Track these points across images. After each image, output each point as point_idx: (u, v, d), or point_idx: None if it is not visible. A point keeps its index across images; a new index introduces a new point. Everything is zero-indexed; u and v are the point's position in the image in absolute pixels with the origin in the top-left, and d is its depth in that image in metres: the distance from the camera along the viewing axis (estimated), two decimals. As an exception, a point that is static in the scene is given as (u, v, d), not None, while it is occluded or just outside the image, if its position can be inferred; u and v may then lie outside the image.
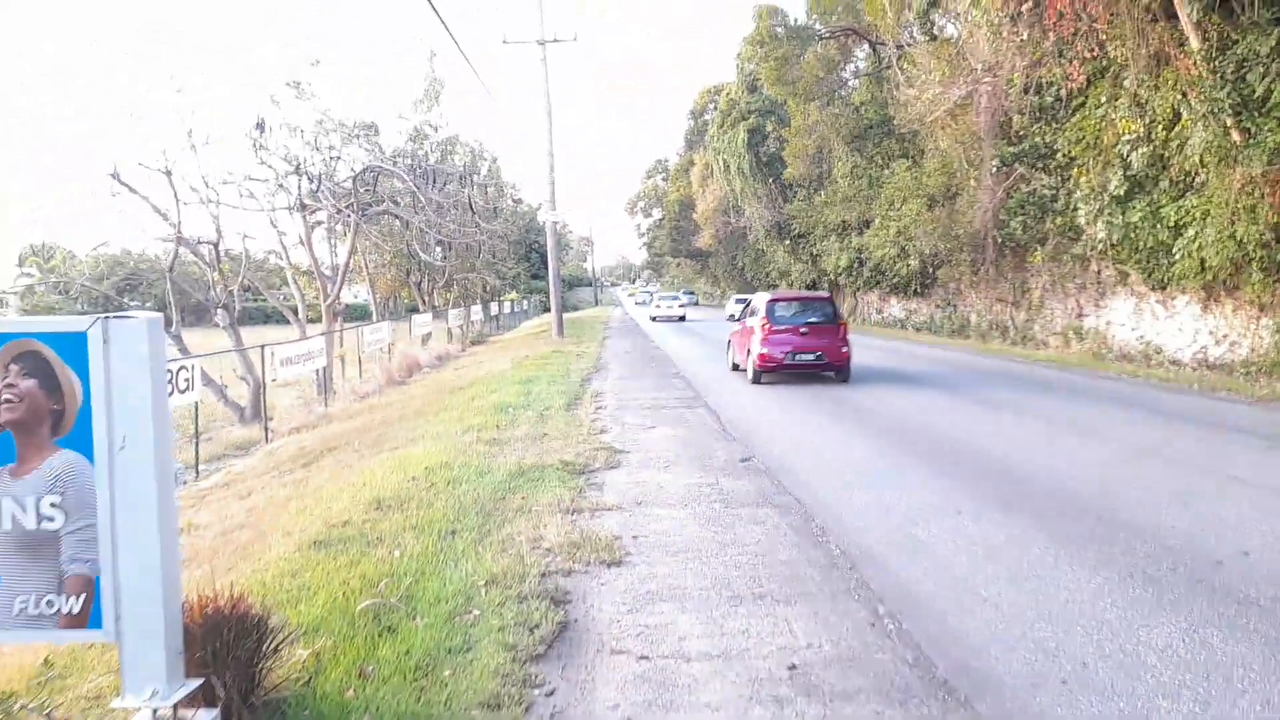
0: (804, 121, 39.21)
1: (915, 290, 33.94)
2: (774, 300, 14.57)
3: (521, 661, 3.66)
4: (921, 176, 29.80)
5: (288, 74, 19.40)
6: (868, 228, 35.48)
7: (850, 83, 40.94)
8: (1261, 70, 13.28)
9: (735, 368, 16.04)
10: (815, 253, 42.61)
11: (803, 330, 14.01)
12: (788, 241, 45.38)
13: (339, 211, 19.10)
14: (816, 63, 38.38)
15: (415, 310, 33.23)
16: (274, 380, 15.24)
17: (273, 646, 3.28)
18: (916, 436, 9.16)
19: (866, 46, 40.25)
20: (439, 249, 30.94)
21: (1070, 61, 16.79)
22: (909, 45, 33.16)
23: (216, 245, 15.82)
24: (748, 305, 16.33)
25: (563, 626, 4.06)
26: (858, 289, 40.59)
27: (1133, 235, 17.39)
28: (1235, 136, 13.94)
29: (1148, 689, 3.32)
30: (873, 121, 36.61)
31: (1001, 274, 27.47)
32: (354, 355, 21.96)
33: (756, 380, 14.08)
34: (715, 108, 58.56)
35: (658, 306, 45.09)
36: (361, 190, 19.29)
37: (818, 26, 39.87)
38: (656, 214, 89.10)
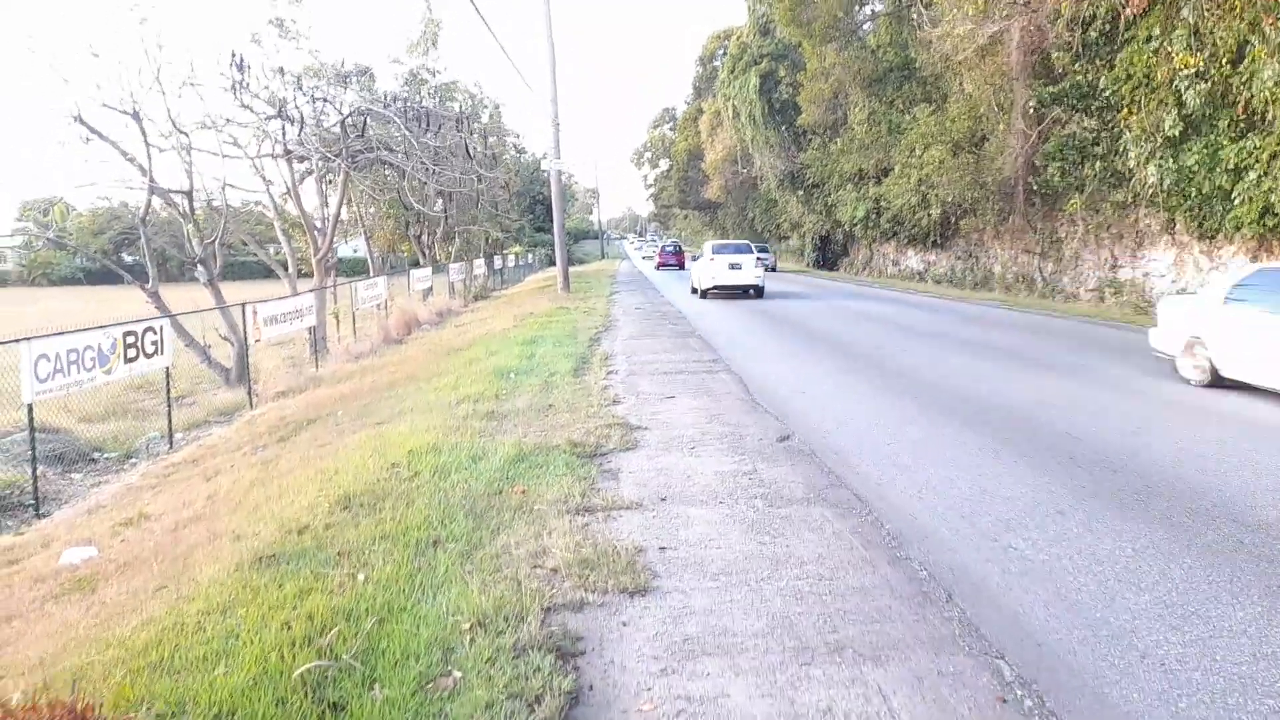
0: (820, 65, 37.37)
1: (935, 241, 32.54)
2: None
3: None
4: (946, 121, 28.20)
5: (269, 10, 17.95)
6: (886, 176, 33.97)
7: (866, 26, 39.02)
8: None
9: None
10: (830, 203, 41.08)
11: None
12: (801, 191, 43.79)
13: (326, 159, 17.77)
14: (834, 0, 36.43)
15: (416, 264, 31.98)
16: (257, 340, 14.11)
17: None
18: (981, 408, 8.01)
19: (885, -14, 38.35)
20: (439, 200, 29.56)
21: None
22: (934, -20, 31.34)
23: (190, 194, 14.56)
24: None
25: (573, 699, 2.96)
26: (873, 240, 39.17)
27: (1187, 179, 16.00)
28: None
29: None
30: (893, 65, 34.82)
31: (1030, 224, 26.06)
32: (349, 312, 20.81)
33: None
34: (725, 53, 56.41)
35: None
36: (352, 136, 17.94)
37: (834, -37, 37.84)
38: (664, 165, 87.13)
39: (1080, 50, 19.26)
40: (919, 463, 6.03)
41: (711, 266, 23.34)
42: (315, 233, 19.07)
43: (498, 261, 43.26)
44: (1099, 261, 22.86)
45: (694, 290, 25.00)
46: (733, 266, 23.21)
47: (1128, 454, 6.17)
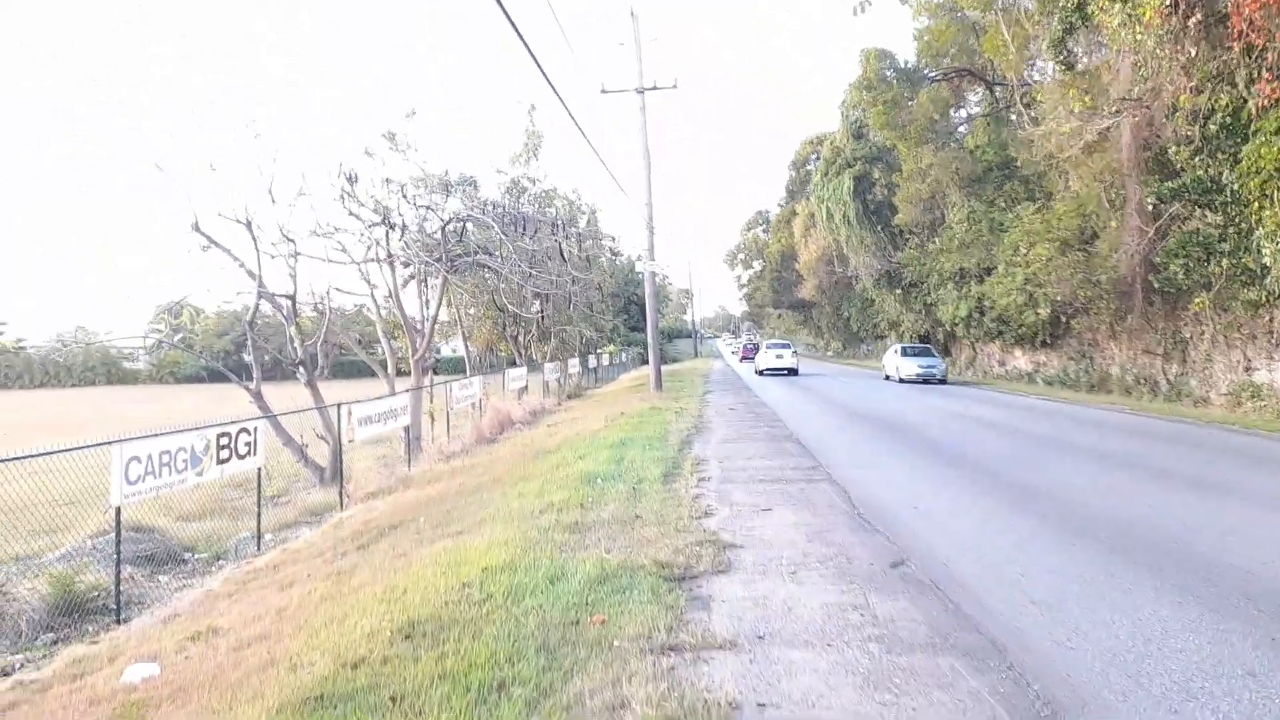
0: (916, 166, 37.12)
1: (1044, 341, 31.03)
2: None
3: None
4: (1052, 219, 27.22)
5: (383, 126, 18.89)
6: (988, 275, 32.91)
7: (960, 128, 38.72)
8: None
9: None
10: (929, 302, 40.04)
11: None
12: (899, 291, 42.92)
13: (427, 264, 18.23)
14: (929, 104, 36.39)
15: (513, 364, 32.40)
16: (351, 440, 14.15)
17: None
18: (1124, 532, 7.05)
19: (981, 89, 38.12)
20: (535, 301, 30.07)
21: (1260, 77, 14.38)
22: (1034, 81, 30.87)
23: (293, 298, 15.03)
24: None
25: None
26: (977, 339, 37.72)
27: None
28: None
29: None
30: (992, 164, 34.29)
31: (1150, 323, 24.49)
32: (444, 412, 20.94)
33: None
34: (818, 157, 56.97)
35: (758, 354, 45.04)
36: (451, 241, 18.40)
37: (928, 71, 37.99)
38: (757, 265, 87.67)
39: (1201, 144, 18.26)
40: (1062, 600, 5.17)
41: (765, 355, 39.36)
42: (414, 334, 19.43)
43: (592, 360, 43.55)
44: (1230, 363, 21.14)
45: (756, 371, 39.81)
46: (778, 355, 38.46)
47: (1320, 596, 5.17)
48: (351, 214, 16.78)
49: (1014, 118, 34.88)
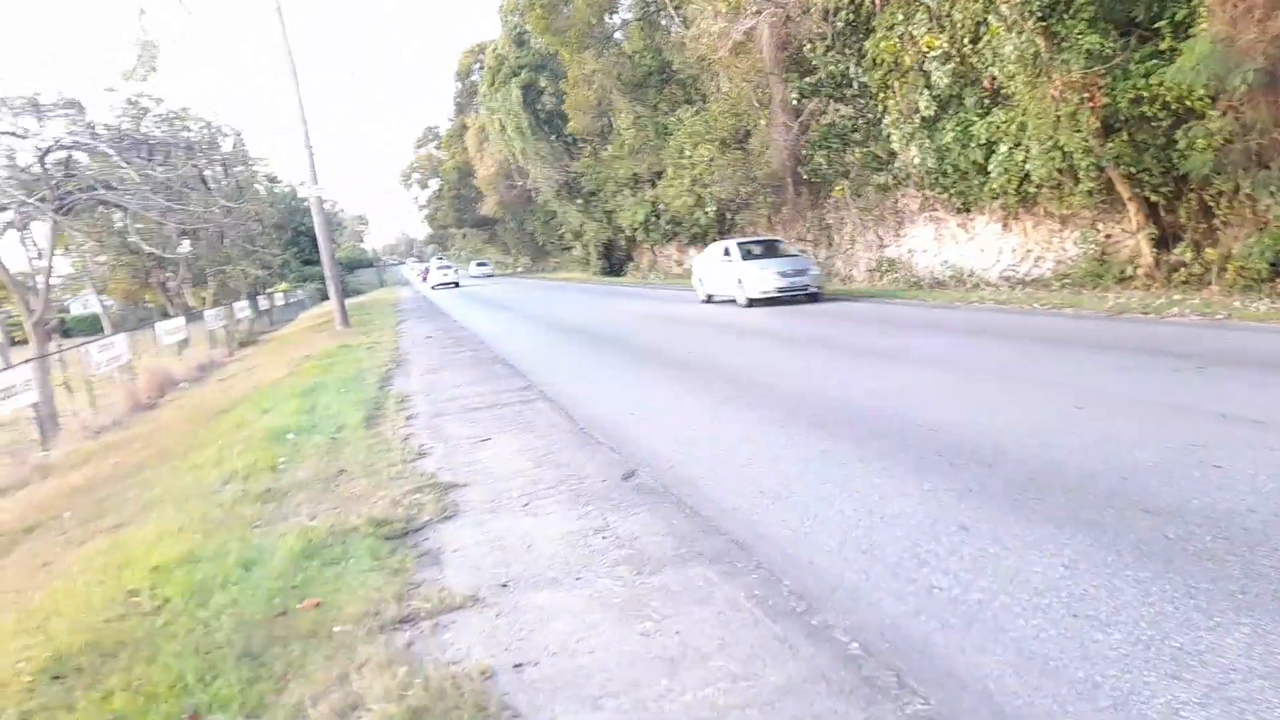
0: (581, 71, 37.21)
1: (714, 238, 33.28)
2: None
3: None
4: (709, 120, 28.76)
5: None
6: (660, 179, 34.33)
7: (617, 34, 39.35)
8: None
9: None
10: (609, 209, 41.10)
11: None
12: (579, 200, 43.51)
13: (26, 205, 14.81)
14: (585, 7, 36.35)
15: (166, 315, 28.19)
16: (-49, 434, 11.32)
17: None
18: (828, 409, 7.54)
19: (633, -7, 38.85)
20: (183, 239, 26.15)
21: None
22: (681, -15, 31.95)
23: None
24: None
25: None
26: (655, 242, 39.55)
27: (945, 157, 16.94)
28: (1042, 42, 13.47)
29: None
30: (651, 68, 35.26)
31: (800, 213, 27.10)
32: (84, 381, 17.60)
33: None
34: (482, 67, 55.18)
35: (429, 274, 55.33)
36: (56, 174, 15.08)
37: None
38: (434, 184, 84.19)
39: (830, 42, 20.02)
40: (789, 487, 5.33)
41: (434, 274, 50.39)
42: (26, 292, 15.91)
43: (264, 302, 39.42)
44: (866, 243, 24.09)
45: (431, 286, 48.32)
46: (442, 271, 50.42)
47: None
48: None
49: (664, 22, 36.11)
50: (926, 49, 16.17)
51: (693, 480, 5.68)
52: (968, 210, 18.94)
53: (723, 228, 32.20)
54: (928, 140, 17.11)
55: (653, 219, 36.21)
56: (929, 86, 16.60)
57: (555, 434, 7.53)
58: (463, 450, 7.28)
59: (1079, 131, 12.95)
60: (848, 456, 5.81)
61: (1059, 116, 13.12)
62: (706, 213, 30.23)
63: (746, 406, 7.87)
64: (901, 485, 5.07)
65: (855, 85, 20.15)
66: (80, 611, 4.42)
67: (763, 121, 25.87)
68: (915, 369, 8.88)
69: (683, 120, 30.51)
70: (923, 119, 16.86)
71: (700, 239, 33.89)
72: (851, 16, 18.95)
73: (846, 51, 19.84)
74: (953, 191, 18.14)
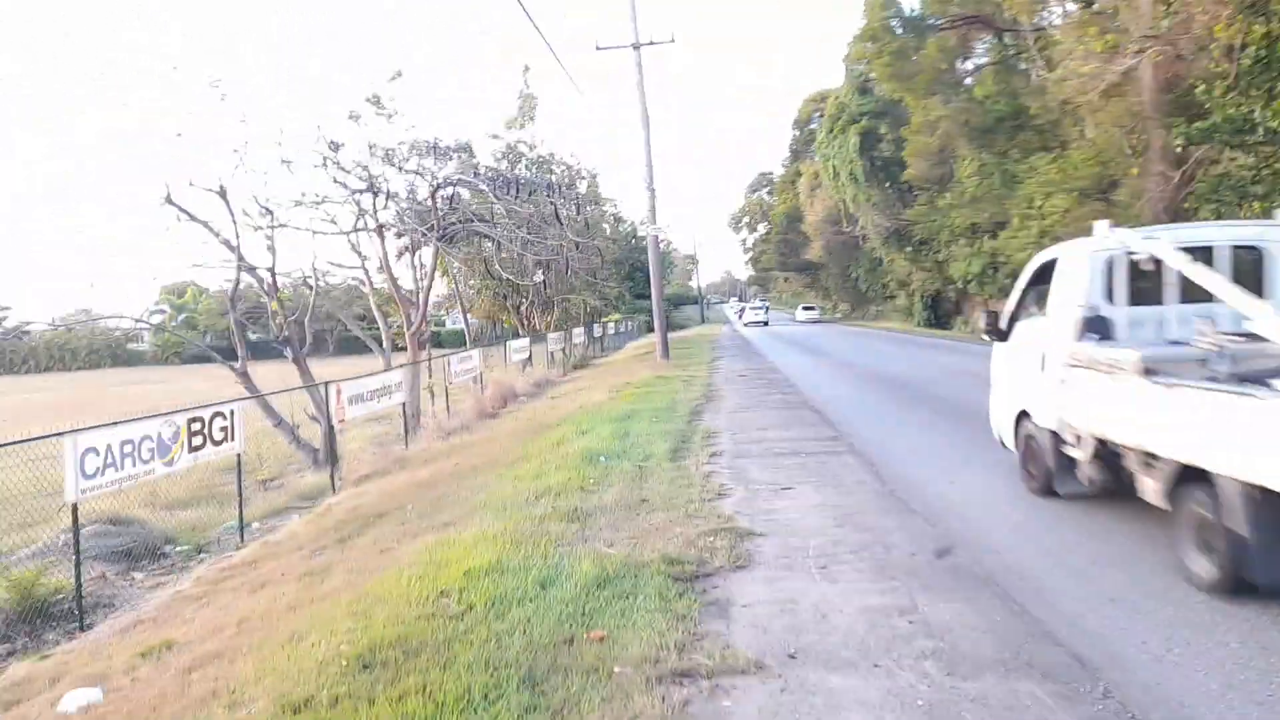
0: (924, 118, 35.86)
1: (1060, 296, 30.02)
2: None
3: None
4: (1068, 168, 26.07)
5: (366, 89, 17.83)
6: (1001, 230, 31.84)
7: (968, 79, 37.29)
8: None
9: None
10: (940, 259, 38.97)
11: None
12: (908, 249, 41.79)
13: (417, 232, 17.33)
14: (937, 53, 34.96)
15: (516, 335, 31.58)
16: (341, 421, 13.39)
17: None
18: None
19: (990, 36, 36.69)
20: (537, 269, 29.15)
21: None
22: (1046, 25, 29.55)
23: (272, 270, 14.18)
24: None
25: None
26: (990, 297, 36.66)
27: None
28: None
29: None
30: (1003, 114, 32.94)
31: (1175, 274, 23.47)
32: (443, 387, 20.15)
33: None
34: (821, 115, 55.45)
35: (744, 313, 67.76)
36: (443, 208, 17.48)
37: (935, 19, 36.59)
38: (762, 228, 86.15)
39: (1234, 80, 17.14)
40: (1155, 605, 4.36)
41: (748, 313, 59.35)
42: (409, 306, 18.59)
43: (597, 330, 42.71)
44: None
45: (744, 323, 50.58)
46: (754, 310, 58.18)
47: None
48: (336, 181, 15.87)
49: (1024, 65, 33.61)
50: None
51: (1023, 572, 4.89)
52: None
53: (1073, 286, 29.01)
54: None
55: (989, 271, 33.69)
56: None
57: (861, 492, 7.00)
58: (762, 496, 7.02)
59: None
60: (889, 401, 4.64)
61: None
62: (1055, 268, 27.39)
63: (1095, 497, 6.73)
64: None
65: (1261, 131, 17.03)
66: (400, 603, 4.80)
67: (1134, 171, 22.91)
68: None
69: (1036, 168, 28.07)
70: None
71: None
72: (1262, 53, 16.07)
73: (1253, 93, 16.85)
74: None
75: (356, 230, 17.40)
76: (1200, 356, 4.95)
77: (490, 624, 4.30)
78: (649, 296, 31.91)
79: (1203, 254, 5.75)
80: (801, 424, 11.06)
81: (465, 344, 28.19)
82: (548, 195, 19.45)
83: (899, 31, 35.81)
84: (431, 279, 18.78)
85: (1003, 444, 7.60)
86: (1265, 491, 3.85)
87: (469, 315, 31.26)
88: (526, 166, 26.04)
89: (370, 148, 16.18)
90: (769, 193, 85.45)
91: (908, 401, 13.31)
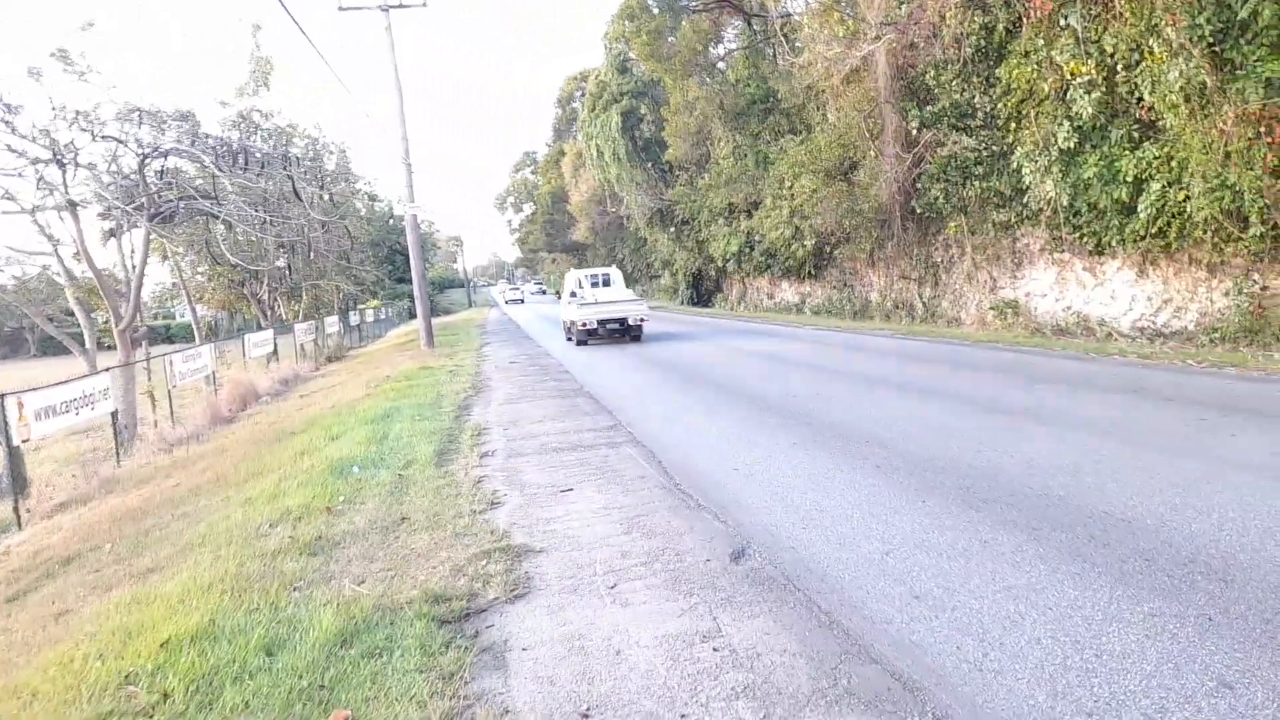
0: (683, 98, 36.66)
1: (809, 273, 31.87)
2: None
3: None
4: (814, 150, 27.58)
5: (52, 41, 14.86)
6: (756, 209, 33.28)
7: (720, 63, 38.66)
8: (1248, -11, 11.25)
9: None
10: (701, 238, 40.21)
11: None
12: (671, 229, 42.79)
13: (122, 211, 14.73)
14: (693, 34, 35.86)
15: (259, 326, 28.52)
16: (26, 440, 11.01)
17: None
18: (967, 478, 6.30)
19: (740, 22, 38.16)
20: (280, 253, 26.37)
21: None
22: (791, 14, 31.06)
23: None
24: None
25: None
26: (747, 274, 38.39)
27: (1083, 193, 15.37)
28: (1207, 70, 11.92)
29: None
30: (754, 97, 34.38)
31: (905, 250, 25.59)
32: (167, 390, 17.51)
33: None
34: (583, 94, 55.42)
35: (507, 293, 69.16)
36: (156, 183, 15.00)
37: (690, 1, 37.51)
38: (528, 209, 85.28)
39: (961, 67, 18.68)
40: (950, 592, 4.14)
41: (507, 292, 67.15)
42: (116, 298, 15.86)
43: (354, 318, 39.87)
44: (980, 284, 22.44)
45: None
46: (513, 289, 69.67)
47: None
48: (11, 149, 13.02)
49: (771, 51, 35.27)
50: (1070, 75, 14.72)
51: (821, 570, 4.53)
52: (1100, 253, 17.21)
53: (820, 262, 30.90)
54: (1064, 175, 15.58)
55: (746, 250, 35.14)
56: (1070, 117, 15.12)
57: (645, 489, 6.48)
58: (540, 501, 6.31)
59: (1252, 169, 11.33)
60: (1022, 554, 4.57)
61: (1229, 152, 11.53)
62: (804, 245, 29.02)
63: (871, 469, 6.67)
64: (1114, 607, 3.82)
65: (981, 115, 18.72)
66: (67, 698, 3.57)
67: (872, 153, 24.61)
68: (1076, 435, 7.50)
69: (786, 150, 29.47)
70: (1060, 151, 15.34)
71: (794, 272, 32.60)
72: (982, 42, 17.59)
73: (974, 79, 18.45)
74: (1085, 231, 16.50)
75: (41, 209, 14.51)
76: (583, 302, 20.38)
77: (193, 718, 3.24)
78: (411, 280, 30.08)
79: (601, 276, 23.27)
80: (578, 412, 10.47)
81: (195, 339, 24.96)
82: (284, 169, 17.32)
83: (655, 11, 36.33)
84: (143, 266, 16.12)
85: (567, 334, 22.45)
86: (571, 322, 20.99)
87: (201, 306, 27.79)
88: (263, 138, 23.35)
89: (54, 110, 13.44)
90: (533, 172, 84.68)
91: (678, 384, 13.15)
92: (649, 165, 42.93)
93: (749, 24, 36.68)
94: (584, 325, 20.20)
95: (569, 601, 4.32)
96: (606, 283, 22.90)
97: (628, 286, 24.77)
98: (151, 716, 3.31)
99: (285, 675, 3.57)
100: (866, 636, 3.66)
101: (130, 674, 3.70)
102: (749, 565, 4.66)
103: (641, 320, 20.48)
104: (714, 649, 3.62)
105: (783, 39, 30.28)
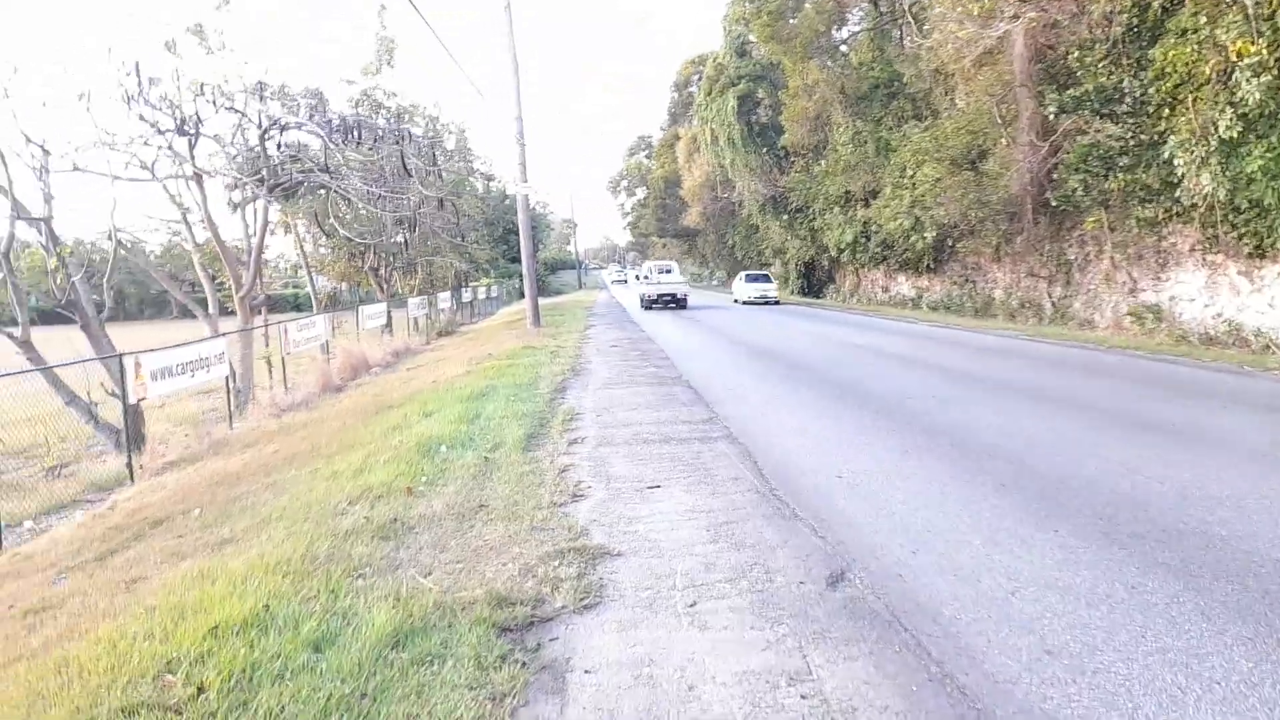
0: (802, 82, 35.46)
1: (928, 266, 30.33)
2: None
3: None
4: (940, 137, 26.08)
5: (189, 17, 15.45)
6: (874, 199, 31.90)
7: (843, 46, 37.16)
8: None
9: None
10: (815, 227, 38.99)
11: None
12: (784, 216, 41.64)
13: (244, 182, 15.17)
14: (815, 16, 34.58)
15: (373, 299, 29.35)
16: (142, 399, 11.44)
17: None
18: (1103, 507, 5.52)
19: (866, 2, 36.60)
20: (398, 229, 26.96)
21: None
22: (923, -9, 29.46)
23: (48, 221, 11.91)
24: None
25: None
26: (862, 265, 36.97)
27: (1244, 188, 13.80)
28: None
29: None
30: (878, 81, 32.87)
31: (1035, 245, 23.89)
32: (281, 357, 18.08)
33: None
34: (701, 78, 54.60)
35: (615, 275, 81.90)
36: (278, 156, 15.38)
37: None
38: (641, 193, 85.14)
39: (1109, 48, 17.11)
40: (1090, 649, 3.48)
41: (612, 275, 75.62)
42: (237, 266, 16.42)
43: (466, 294, 40.64)
44: (1118, 285, 20.68)
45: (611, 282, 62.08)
46: (620, 273, 74.91)
47: None
48: (143, 119, 13.54)
49: (897, 32, 33.68)
50: (1237, 56, 13.19)
51: (933, 607, 3.94)
52: (1260, 255, 15.46)
53: (940, 256, 29.37)
54: (1224, 167, 14.02)
55: (862, 240, 33.82)
56: (1233, 103, 13.57)
57: (738, 491, 5.97)
58: (624, 498, 5.90)
59: None
60: (1179, 607, 3.84)
61: None
62: (925, 237, 27.58)
63: (994, 487, 5.95)
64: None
65: (1129, 101, 17.09)
66: (103, 682, 3.39)
67: (1003, 140, 23.06)
68: (1237, 461, 6.54)
69: (909, 137, 28.06)
70: (1221, 141, 13.80)
71: (912, 266, 31.14)
72: (1135, 20, 16.03)
73: (1124, 61, 16.86)
74: (1245, 231, 14.86)
75: (172, 178, 15.10)
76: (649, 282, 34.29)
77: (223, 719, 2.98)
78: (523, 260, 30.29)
79: (665, 266, 37.80)
80: (675, 403, 10.02)
81: (314, 309, 25.84)
82: (396, 144, 17.49)
83: (777, -11, 35.18)
84: (262, 235, 16.62)
85: (641, 302, 34.59)
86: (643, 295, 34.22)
87: (322, 278, 28.77)
88: (386, 118, 23.83)
89: (178, 83, 13.90)
90: (647, 156, 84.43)
91: (784, 376, 12.52)
92: (764, 150, 41.87)
93: (875, 4, 35.13)
94: (649, 296, 33.62)
95: (643, 618, 3.88)
96: (668, 271, 36.21)
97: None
98: (181, 714, 3.07)
99: (328, 678, 3.28)
100: (987, 700, 3.07)
101: (172, 661, 3.49)
102: (848, 593, 4.10)
103: (685, 295, 33.62)
104: (802, 696, 3.11)
105: (910, 19, 28.78)
